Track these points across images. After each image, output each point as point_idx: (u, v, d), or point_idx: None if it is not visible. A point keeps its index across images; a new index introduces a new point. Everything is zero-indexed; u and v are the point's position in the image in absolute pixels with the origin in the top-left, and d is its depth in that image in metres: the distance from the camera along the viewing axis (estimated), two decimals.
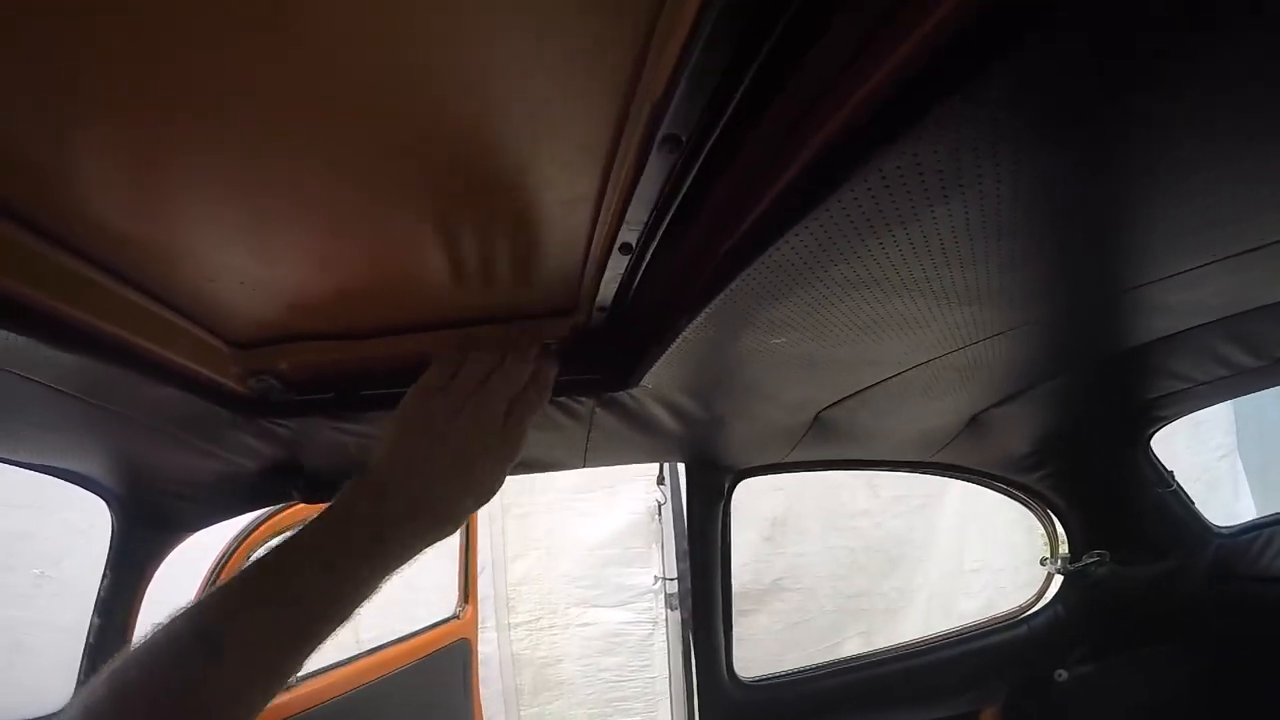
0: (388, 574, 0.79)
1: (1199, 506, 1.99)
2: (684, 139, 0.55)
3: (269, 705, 0.70)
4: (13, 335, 0.73)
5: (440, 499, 0.82)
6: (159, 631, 0.68)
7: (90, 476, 1.36)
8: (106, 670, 0.65)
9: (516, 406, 0.86)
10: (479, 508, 0.86)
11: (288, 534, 0.77)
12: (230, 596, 0.73)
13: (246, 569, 0.75)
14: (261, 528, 2.09)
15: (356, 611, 0.77)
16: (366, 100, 0.54)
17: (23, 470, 1.26)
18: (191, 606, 0.70)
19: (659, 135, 0.54)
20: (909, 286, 0.71)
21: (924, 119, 0.45)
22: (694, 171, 0.59)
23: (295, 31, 0.45)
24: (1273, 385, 1.74)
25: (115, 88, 0.49)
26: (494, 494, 0.86)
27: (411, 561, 0.81)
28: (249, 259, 0.81)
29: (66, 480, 1.35)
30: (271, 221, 0.73)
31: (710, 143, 0.56)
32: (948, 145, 0.48)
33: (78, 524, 2.71)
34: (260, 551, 0.76)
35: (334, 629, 0.75)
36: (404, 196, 0.71)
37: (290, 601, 0.73)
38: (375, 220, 0.75)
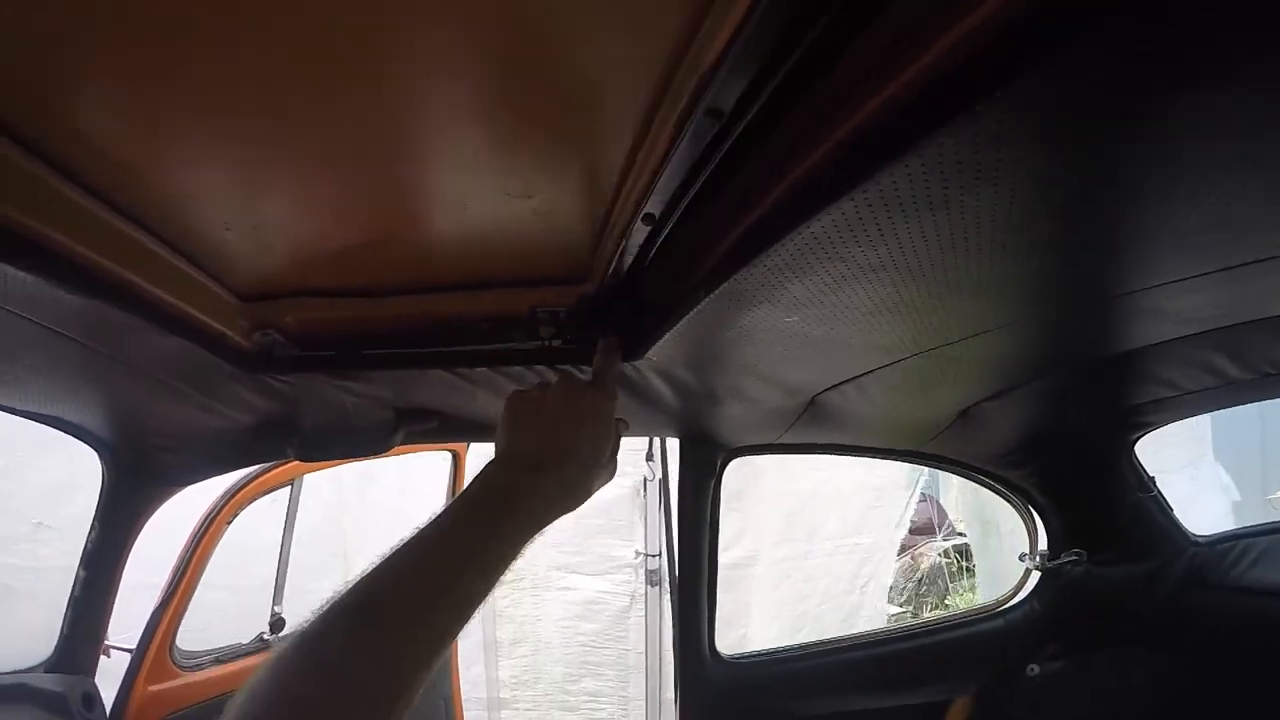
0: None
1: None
2: (726, 112, 0.55)
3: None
4: (16, 271, 0.70)
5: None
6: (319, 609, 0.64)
7: (83, 426, 1.35)
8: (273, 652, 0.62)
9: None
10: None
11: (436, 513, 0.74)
12: (388, 570, 0.70)
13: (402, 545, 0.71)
14: (248, 487, 2.07)
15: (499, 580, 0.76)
16: (388, 46, 0.52)
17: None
18: (350, 584, 0.67)
19: (702, 107, 0.54)
20: (922, 273, 0.72)
21: (957, 115, 0.46)
22: (727, 145, 0.59)
23: None
24: (1261, 399, 1.75)
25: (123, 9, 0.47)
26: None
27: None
28: (265, 206, 0.80)
29: (58, 428, 1.34)
30: (291, 167, 0.72)
31: (749, 118, 0.56)
32: (977, 138, 0.48)
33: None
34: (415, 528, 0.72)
35: (484, 596, 0.74)
36: (420, 150, 0.70)
37: (454, 570, 0.72)
38: (389, 173, 0.74)
